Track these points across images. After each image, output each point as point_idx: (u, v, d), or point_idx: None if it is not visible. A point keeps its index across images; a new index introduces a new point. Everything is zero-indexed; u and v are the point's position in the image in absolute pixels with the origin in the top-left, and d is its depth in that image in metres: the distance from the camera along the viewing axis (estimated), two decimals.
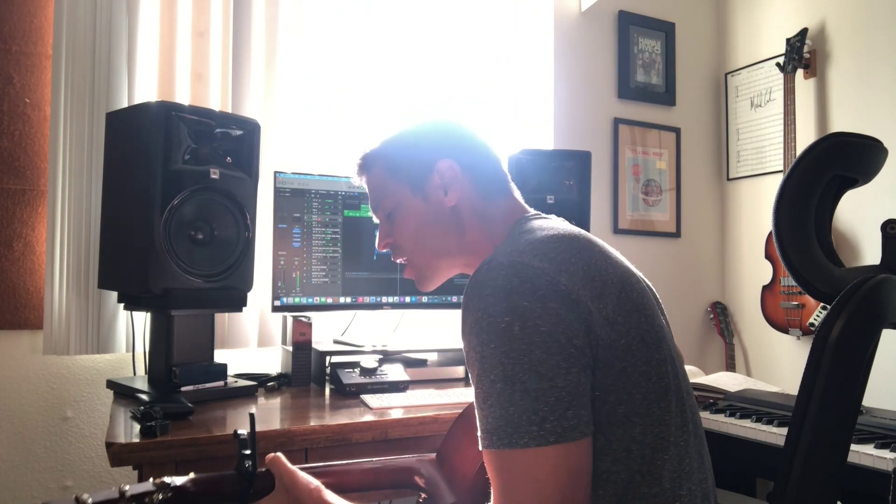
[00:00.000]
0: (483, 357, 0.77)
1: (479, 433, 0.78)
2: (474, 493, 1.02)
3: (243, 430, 0.96)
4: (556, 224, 0.95)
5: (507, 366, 0.75)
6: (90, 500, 0.79)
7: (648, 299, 0.88)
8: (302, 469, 1.02)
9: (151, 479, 0.88)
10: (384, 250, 1.10)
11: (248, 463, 0.94)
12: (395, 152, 1.06)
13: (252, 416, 0.97)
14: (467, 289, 0.83)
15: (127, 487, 0.84)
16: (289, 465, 0.99)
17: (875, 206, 2.21)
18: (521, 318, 0.76)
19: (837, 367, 0.74)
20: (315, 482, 0.97)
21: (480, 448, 0.78)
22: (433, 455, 1.14)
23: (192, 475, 0.91)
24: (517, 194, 1.06)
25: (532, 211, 1.04)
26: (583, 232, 0.92)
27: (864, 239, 2.32)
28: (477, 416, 0.79)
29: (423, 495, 1.08)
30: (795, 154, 2.43)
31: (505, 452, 0.74)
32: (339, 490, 0.99)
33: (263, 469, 0.99)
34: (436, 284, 1.08)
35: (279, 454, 1.01)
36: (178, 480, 0.89)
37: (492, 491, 0.77)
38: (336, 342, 1.96)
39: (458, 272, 1.07)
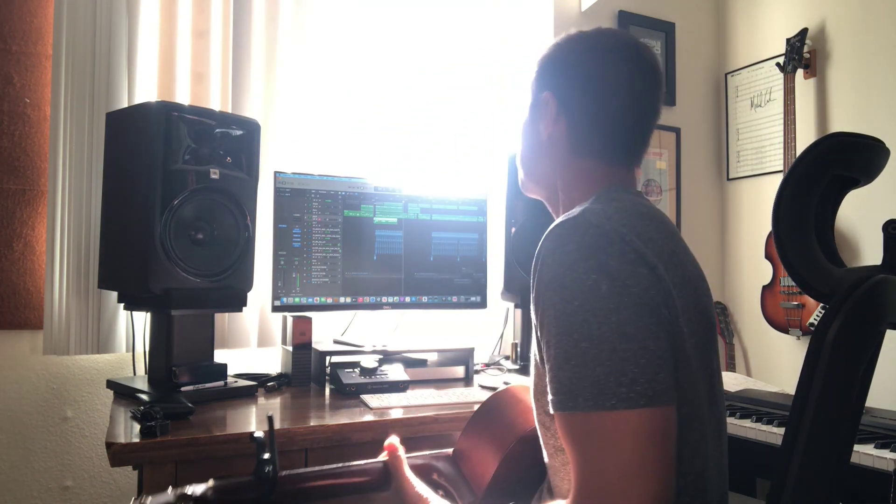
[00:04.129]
0: (564, 314, 0.73)
1: (551, 396, 0.74)
2: (493, 490, 1.02)
3: (260, 433, 0.91)
4: (647, 203, 0.90)
5: (593, 325, 0.71)
6: None
7: (713, 309, 0.88)
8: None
9: (170, 489, 0.86)
10: None
11: (267, 468, 0.90)
12: (539, 60, 1.01)
13: (270, 418, 0.92)
14: (545, 242, 0.78)
15: (149, 500, 0.83)
16: (405, 468, 0.98)
17: (876, 206, 2.21)
18: (610, 278, 0.72)
19: (834, 367, 0.74)
20: (425, 493, 0.96)
21: (554, 411, 0.73)
22: (449, 451, 1.13)
23: (211, 482, 0.88)
24: (626, 168, 0.95)
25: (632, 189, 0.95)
26: (670, 221, 0.90)
27: (864, 239, 2.32)
28: (550, 378, 0.74)
29: (440, 493, 1.07)
30: (795, 154, 2.43)
31: (589, 416, 0.70)
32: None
33: (380, 462, 1.00)
34: (532, 195, 1.06)
35: (398, 449, 1.00)
36: (199, 489, 0.87)
37: (570, 457, 0.72)
38: (336, 342, 1.96)
39: (544, 202, 1.03)
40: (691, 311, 0.80)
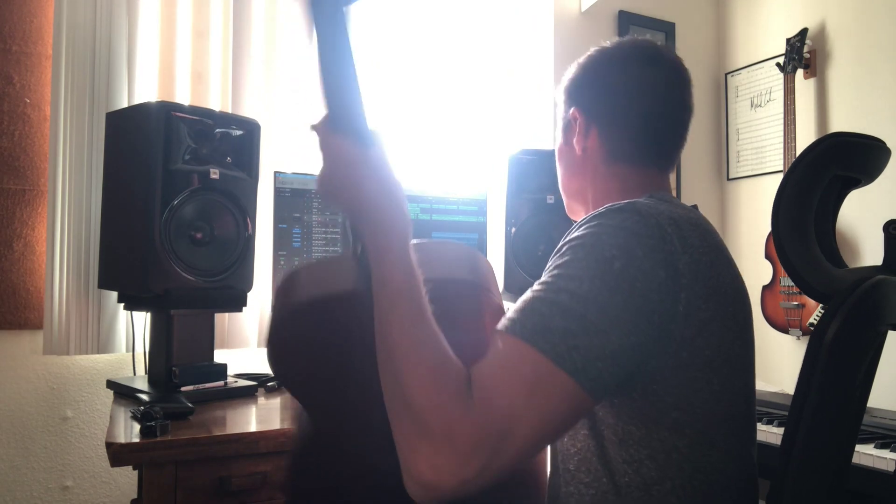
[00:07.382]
0: (567, 264, 0.73)
1: (508, 312, 0.73)
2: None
3: None
4: (694, 211, 0.90)
5: (584, 288, 0.70)
6: None
7: (751, 326, 0.85)
8: None
9: None
10: None
11: None
12: (563, 84, 1.05)
13: None
14: (595, 212, 0.79)
15: None
16: None
17: (876, 206, 2.21)
18: (627, 262, 0.72)
19: (833, 368, 0.74)
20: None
21: (499, 326, 0.72)
22: None
23: None
24: (659, 172, 0.97)
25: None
26: (716, 232, 0.88)
27: (864, 239, 2.32)
28: (522, 298, 0.74)
29: None
30: (795, 154, 2.43)
31: (518, 342, 0.68)
32: None
33: None
34: (577, 217, 1.05)
35: None
36: None
37: (483, 359, 0.70)
38: None
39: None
40: (716, 324, 0.77)
